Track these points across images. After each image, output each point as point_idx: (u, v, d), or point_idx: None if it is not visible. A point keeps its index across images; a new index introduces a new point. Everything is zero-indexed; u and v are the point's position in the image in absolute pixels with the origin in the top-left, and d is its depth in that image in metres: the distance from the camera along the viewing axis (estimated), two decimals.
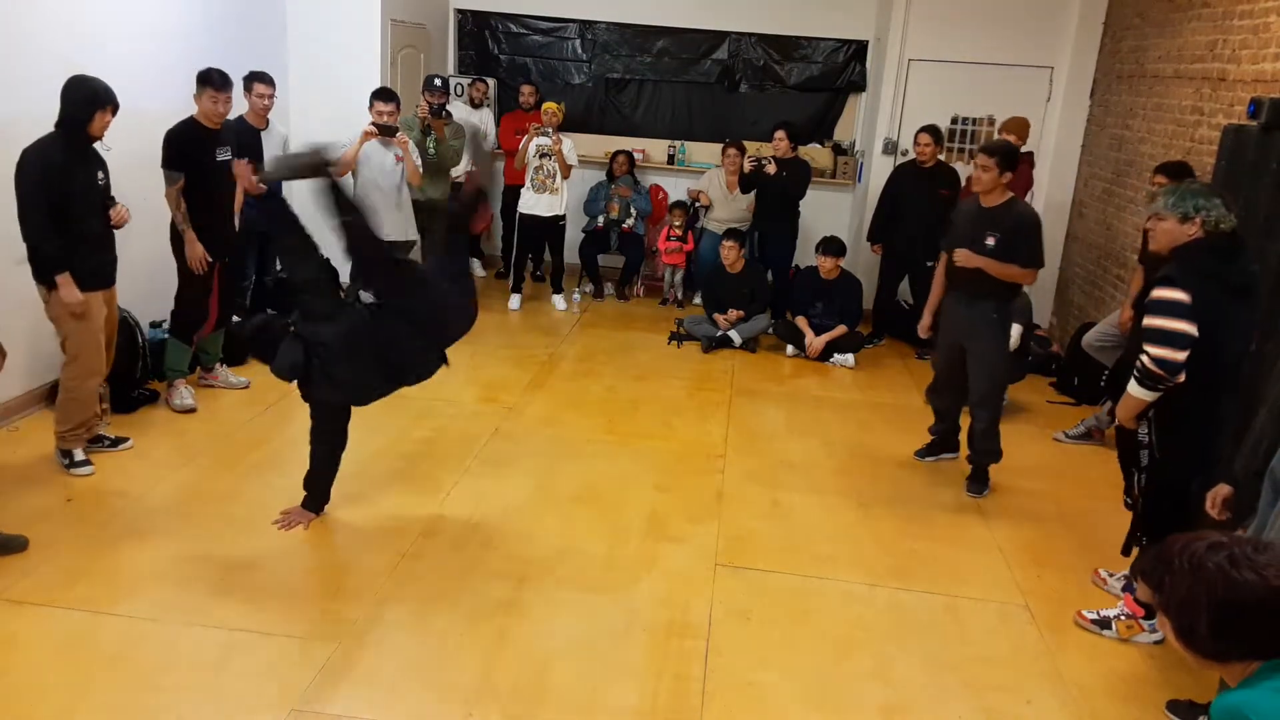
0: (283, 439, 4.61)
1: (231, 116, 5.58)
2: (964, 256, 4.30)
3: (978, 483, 4.54)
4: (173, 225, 4.77)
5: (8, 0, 4.30)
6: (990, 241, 4.24)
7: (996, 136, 6.50)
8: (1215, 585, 1.47)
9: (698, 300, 7.43)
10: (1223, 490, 2.76)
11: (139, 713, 2.68)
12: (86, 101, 3.82)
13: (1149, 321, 3.06)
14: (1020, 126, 6.31)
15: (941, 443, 4.87)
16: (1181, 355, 2.98)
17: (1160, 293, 3.06)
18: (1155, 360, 3.01)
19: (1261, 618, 1.45)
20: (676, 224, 7.58)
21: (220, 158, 4.79)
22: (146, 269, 5.33)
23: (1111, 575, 3.70)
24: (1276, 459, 2.20)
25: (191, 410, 4.85)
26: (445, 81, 6.63)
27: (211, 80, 4.67)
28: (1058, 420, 5.56)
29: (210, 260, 4.79)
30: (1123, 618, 3.38)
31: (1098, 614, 3.46)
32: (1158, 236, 3.23)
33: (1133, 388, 3.15)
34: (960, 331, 4.47)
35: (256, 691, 2.80)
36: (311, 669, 2.91)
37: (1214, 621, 1.47)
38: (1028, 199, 6.50)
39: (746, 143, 7.58)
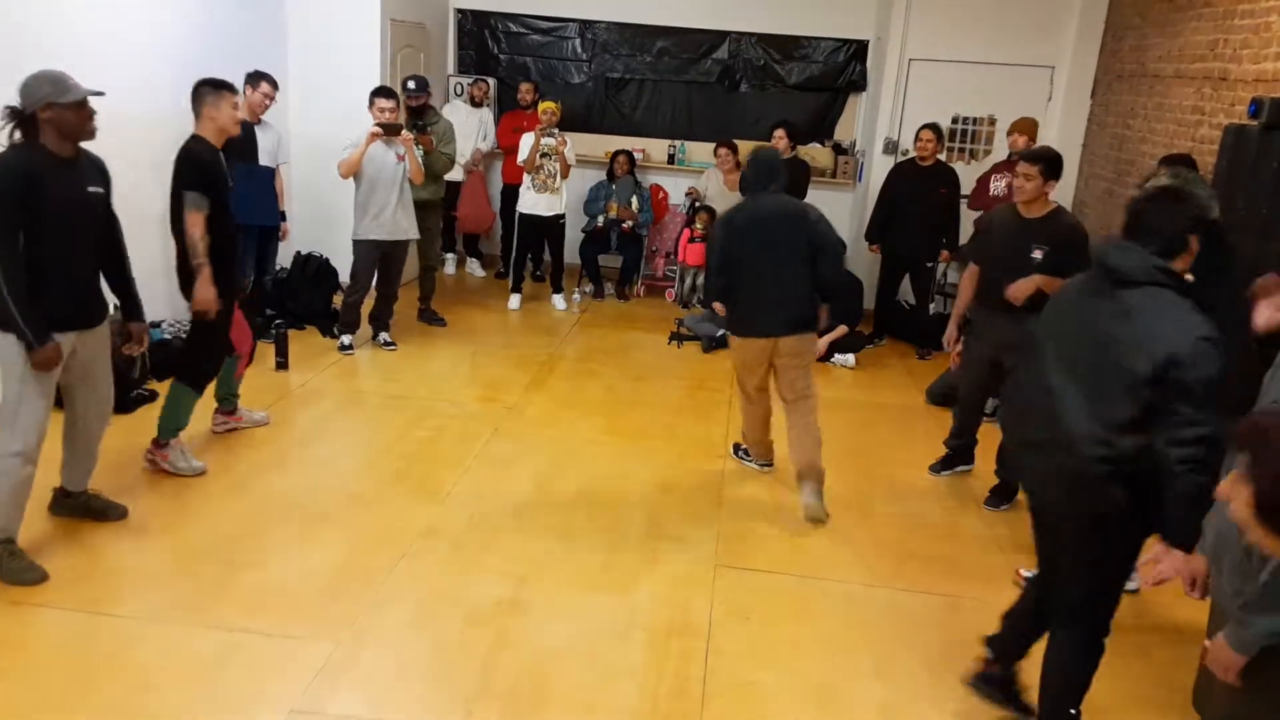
0: (284, 439, 4.61)
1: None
2: (1019, 290, 4.01)
3: (1002, 498, 4.40)
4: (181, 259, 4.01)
5: None
6: (1038, 255, 4.00)
7: (1008, 139, 6.42)
8: None
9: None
10: (1200, 570, 2.25)
11: (139, 713, 2.68)
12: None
13: None
14: (1030, 127, 6.19)
15: (958, 455, 4.68)
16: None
17: None
18: None
19: None
20: (700, 227, 7.54)
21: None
22: (145, 269, 5.34)
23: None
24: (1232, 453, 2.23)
25: (203, 472, 4.16)
26: (421, 82, 6.24)
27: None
28: None
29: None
30: None
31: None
32: None
33: None
34: (999, 346, 4.16)
35: (256, 691, 2.80)
36: (311, 669, 2.90)
37: None
38: None
39: (746, 142, 7.58)
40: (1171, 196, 2.49)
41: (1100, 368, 2.40)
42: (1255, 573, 1.98)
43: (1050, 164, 4.02)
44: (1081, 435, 2.41)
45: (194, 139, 4.09)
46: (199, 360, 4.19)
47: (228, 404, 4.59)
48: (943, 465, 4.71)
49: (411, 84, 6.20)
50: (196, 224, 3.95)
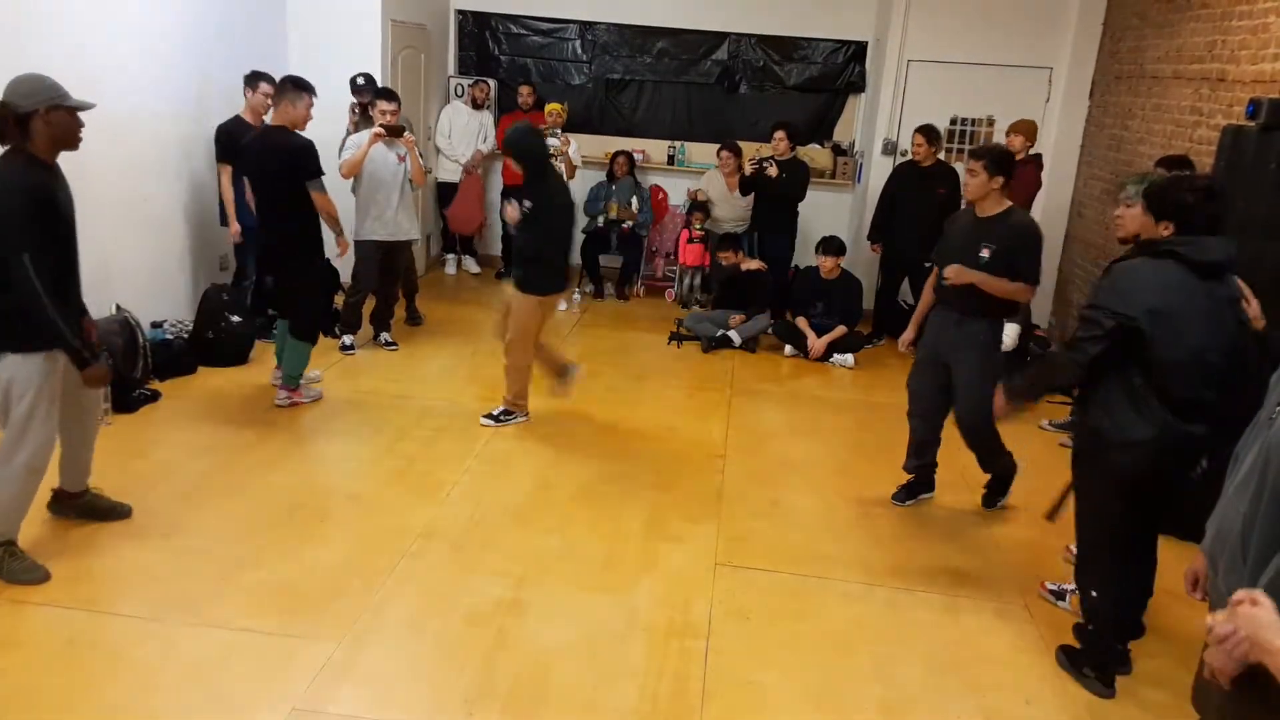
0: (284, 438, 4.61)
1: (227, 116, 5.61)
2: (955, 273, 3.91)
3: (995, 494, 4.38)
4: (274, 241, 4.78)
5: None
6: (985, 254, 3.86)
7: (1005, 139, 6.45)
8: None
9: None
10: (1203, 569, 2.27)
11: (139, 713, 2.68)
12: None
13: None
14: (1028, 129, 6.26)
15: (920, 481, 4.40)
16: None
17: None
18: None
19: None
20: (698, 226, 7.53)
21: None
22: (147, 269, 5.36)
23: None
24: (1241, 442, 2.23)
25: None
26: (370, 79, 6.13)
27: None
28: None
29: None
30: (1078, 592, 3.39)
31: (1058, 586, 3.58)
32: (1126, 223, 3.28)
33: None
34: (945, 349, 4.09)
35: (256, 691, 2.80)
36: (311, 669, 2.91)
37: None
38: (1035, 201, 6.50)
39: (746, 143, 7.58)
40: (1210, 189, 2.82)
41: (1239, 347, 2.81)
42: (1249, 573, 1.98)
43: (995, 160, 3.86)
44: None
45: (279, 129, 4.49)
46: (314, 320, 4.92)
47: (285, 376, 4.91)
48: (906, 494, 4.39)
49: (360, 80, 6.09)
50: (331, 203, 4.65)
